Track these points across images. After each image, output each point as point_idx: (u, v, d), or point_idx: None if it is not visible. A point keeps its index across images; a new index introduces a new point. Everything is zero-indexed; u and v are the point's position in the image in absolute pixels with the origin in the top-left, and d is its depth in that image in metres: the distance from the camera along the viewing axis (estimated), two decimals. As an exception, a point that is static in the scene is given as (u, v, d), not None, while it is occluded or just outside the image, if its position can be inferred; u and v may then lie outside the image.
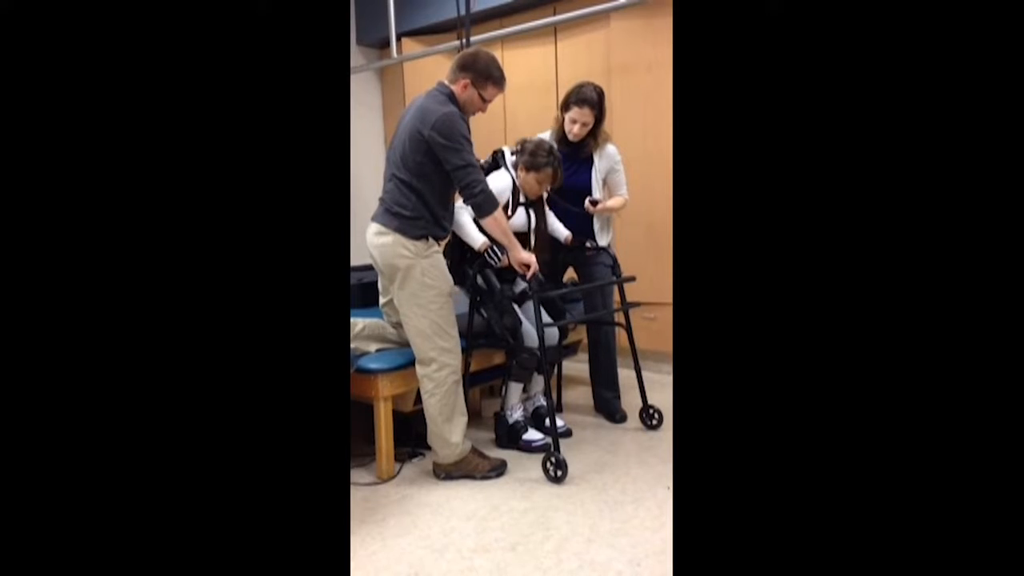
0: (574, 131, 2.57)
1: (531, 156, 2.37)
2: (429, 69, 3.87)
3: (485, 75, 2.16)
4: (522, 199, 2.41)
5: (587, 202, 2.57)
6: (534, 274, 2.24)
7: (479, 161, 2.19)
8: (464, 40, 2.86)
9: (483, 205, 2.12)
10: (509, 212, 2.36)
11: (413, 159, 2.11)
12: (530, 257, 2.24)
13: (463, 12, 2.92)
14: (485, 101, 2.21)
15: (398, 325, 2.36)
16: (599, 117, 2.58)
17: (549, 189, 2.43)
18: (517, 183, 2.40)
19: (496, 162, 2.43)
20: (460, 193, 2.14)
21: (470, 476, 2.28)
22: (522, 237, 2.41)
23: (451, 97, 2.17)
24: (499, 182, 2.36)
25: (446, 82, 2.20)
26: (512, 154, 2.47)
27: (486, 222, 2.17)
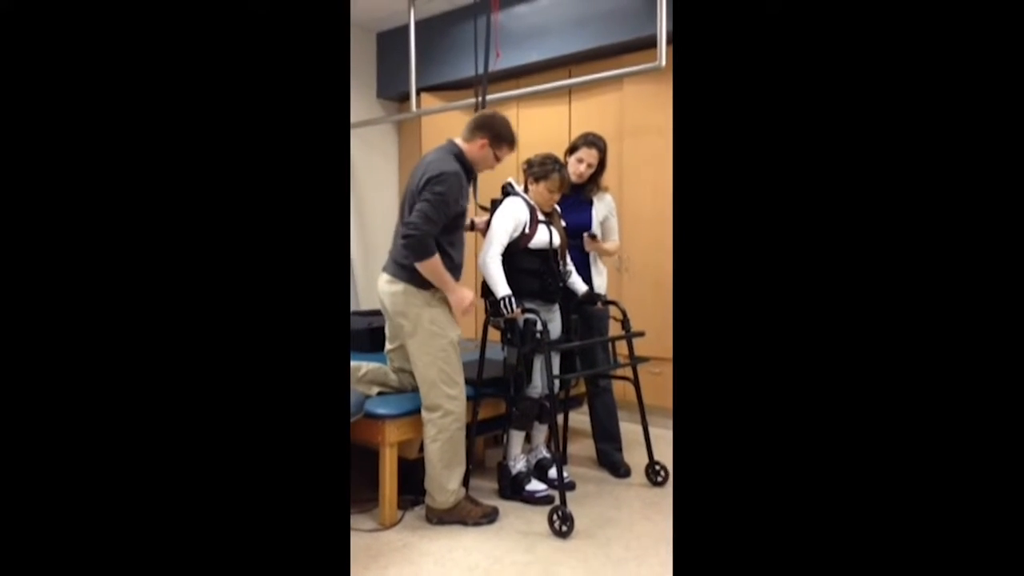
0: (580, 170, 2.74)
1: (540, 166, 2.51)
2: (445, 123, 3.99)
3: (502, 137, 2.32)
4: (540, 217, 2.50)
5: (586, 236, 2.75)
6: (471, 304, 2.29)
7: (463, 219, 2.32)
8: (481, 98, 2.96)
9: (414, 248, 2.14)
10: (527, 231, 2.45)
11: None
12: (466, 295, 2.28)
13: (481, 71, 3.04)
14: (498, 160, 2.36)
15: (400, 371, 2.43)
16: (602, 163, 2.78)
17: (558, 196, 2.55)
18: (531, 203, 2.50)
19: (507, 192, 2.54)
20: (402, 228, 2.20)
21: (462, 522, 2.29)
22: (545, 253, 2.49)
23: (459, 156, 2.29)
24: (516, 208, 2.46)
25: (457, 140, 2.33)
26: (523, 176, 2.58)
27: (421, 266, 2.18)
